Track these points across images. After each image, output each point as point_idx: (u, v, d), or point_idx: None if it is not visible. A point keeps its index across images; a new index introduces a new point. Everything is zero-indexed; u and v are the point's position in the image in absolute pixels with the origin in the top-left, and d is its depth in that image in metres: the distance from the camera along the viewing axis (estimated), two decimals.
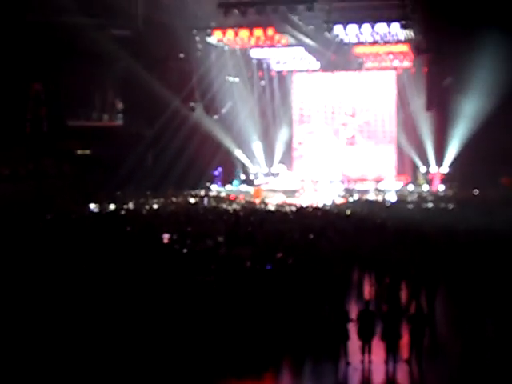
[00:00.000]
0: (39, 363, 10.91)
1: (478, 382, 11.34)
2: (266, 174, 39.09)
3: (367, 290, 15.88)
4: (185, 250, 17.33)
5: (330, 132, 39.42)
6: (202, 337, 12.18)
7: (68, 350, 11.37)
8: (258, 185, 37.12)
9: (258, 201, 31.46)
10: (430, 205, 28.70)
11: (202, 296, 13.14)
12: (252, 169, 39.26)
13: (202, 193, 34.67)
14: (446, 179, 35.21)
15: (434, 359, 12.27)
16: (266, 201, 30.53)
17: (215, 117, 37.06)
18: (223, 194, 34.15)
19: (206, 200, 31.62)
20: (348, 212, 26.23)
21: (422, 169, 35.94)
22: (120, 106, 38.79)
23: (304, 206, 27.94)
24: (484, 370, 11.60)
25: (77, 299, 13.20)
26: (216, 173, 37.82)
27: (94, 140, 36.89)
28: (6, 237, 18.69)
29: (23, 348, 11.24)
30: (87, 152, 37.20)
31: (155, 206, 28.80)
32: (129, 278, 14.23)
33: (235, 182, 38.21)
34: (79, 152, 37.16)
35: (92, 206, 26.74)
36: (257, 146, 38.67)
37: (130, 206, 28.20)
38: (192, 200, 31.84)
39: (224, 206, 29.10)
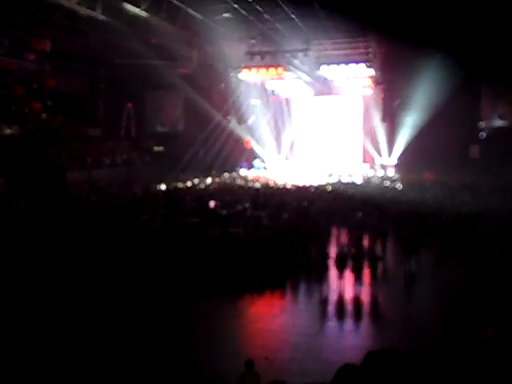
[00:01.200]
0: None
1: (413, 294, 11.80)
2: (276, 163, 38.86)
3: (342, 239, 15.94)
4: (224, 212, 17.46)
5: (317, 135, 39.01)
6: (234, 265, 12.36)
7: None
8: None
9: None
10: (385, 184, 28.47)
11: (235, 241, 13.32)
12: (267, 159, 39.06)
13: (235, 175, 34.64)
14: (395, 167, 34.76)
15: (385, 282, 12.43)
16: (276, 182, 30.28)
17: (244, 126, 36.88)
18: (250, 177, 33.78)
19: (238, 180, 31.56)
20: (329, 189, 26.08)
21: (379, 160, 35.46)
22: (182, 118, 38.82)
23: (301, 184, 27.81)
24: (416, 288, 12.11)
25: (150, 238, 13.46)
26: (245, 162, 37.66)
27: (165, 140, 37.10)
28: (106, 206, 18.97)
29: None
30: (161, 148, 37.35)
31: (205, 184, 28.84)
32: (186, 229, 14.45)
33: (257, 166, 38.05)
34: (155, 148, 37.32)
35: (162, 185, 26.76)
36: (270, 145, 38.44)
37: (188, 184, 28.25)
38: (228, 180, 31.80)
39: (249, 184, 29.04)
